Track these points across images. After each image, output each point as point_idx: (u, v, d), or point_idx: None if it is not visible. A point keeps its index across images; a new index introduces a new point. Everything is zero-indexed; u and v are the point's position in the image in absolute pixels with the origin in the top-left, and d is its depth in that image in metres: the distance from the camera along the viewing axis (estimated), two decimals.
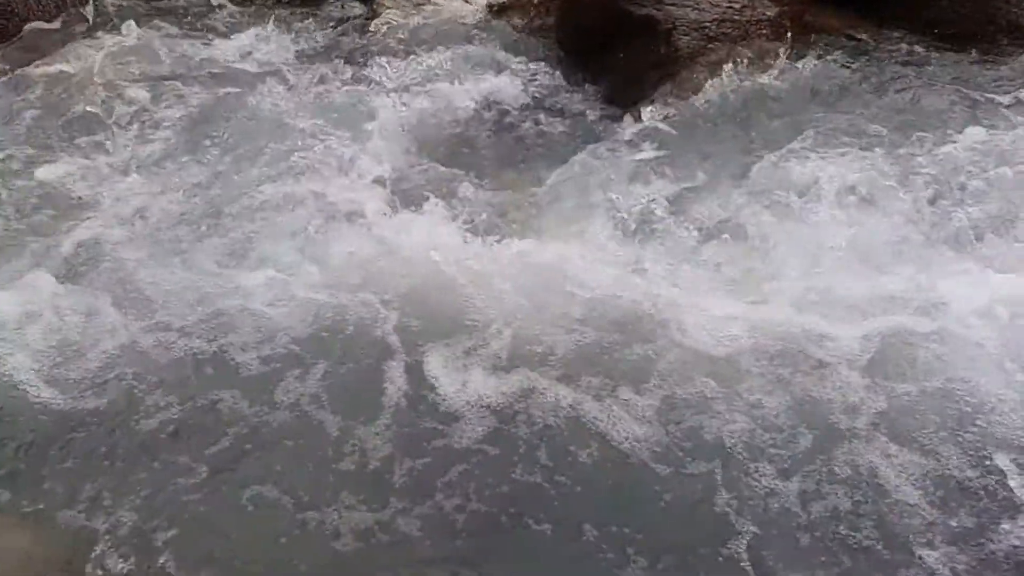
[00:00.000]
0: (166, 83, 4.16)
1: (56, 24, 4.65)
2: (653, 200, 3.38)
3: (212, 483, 2.47)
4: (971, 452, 2.49)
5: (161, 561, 2.29)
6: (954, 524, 2.35)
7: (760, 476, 2.46)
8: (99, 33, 4.57)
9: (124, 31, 4.51)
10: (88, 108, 3.98)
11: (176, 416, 2.63)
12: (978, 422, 2.54)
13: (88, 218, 3.40)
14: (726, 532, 2.34)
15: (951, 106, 3.71)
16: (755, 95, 3.88)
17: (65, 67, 4.29)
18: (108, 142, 3.82)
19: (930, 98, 3.76)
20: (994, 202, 3.21)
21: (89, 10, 4.73)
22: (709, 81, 3.92)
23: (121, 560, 2.29)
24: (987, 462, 2.46)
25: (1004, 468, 2.44)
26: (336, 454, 2.53)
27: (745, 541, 2.32)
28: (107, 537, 2.34)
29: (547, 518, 2.39)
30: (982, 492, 2.41)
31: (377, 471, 2.49)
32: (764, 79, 3.93)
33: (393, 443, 2.56)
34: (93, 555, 2.30)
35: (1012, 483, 2.41)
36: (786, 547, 2.32)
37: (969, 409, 2.57)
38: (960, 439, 2.52)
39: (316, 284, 3.02)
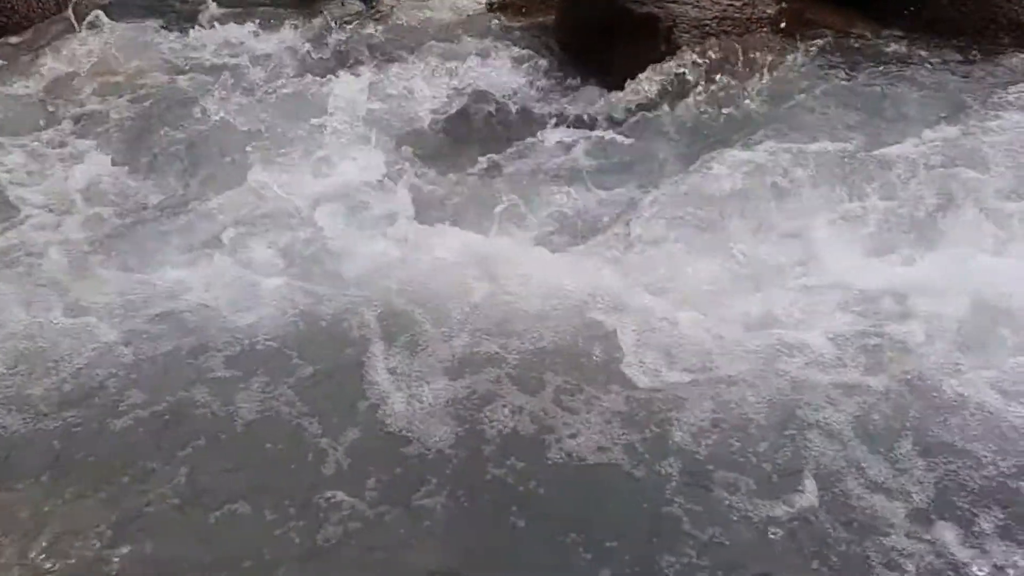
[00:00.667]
0: (138, 81, 4.13)
1: (43, 24, 4.58)
2: (616, 199, 3.39)
3: (183, 488, 2.42)
4: (934, 456, 2.49)
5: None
6: (920, 528, 2.34)
7: (727, 479, 2.46)
8: (81, 33, 4.50)
9: (107, 30, 4.47)
10: (55, 107, 3.96)
11: (142, 420, 2.58)
12: (939, 424, 2.56)
13: (39, 216, 3.36)
14: (694, 535, 2.33)
15: (937, 105, 3.71)
16: (746, 94, 3.87)
17: (43, 65, 4.26)
18: (72, 138, 3.78)
19: (918, 97, 3.76)
20: (941, 202, 3.20)
21: (70, 10, 4.66)
22: (703, 79, 3.90)
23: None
24: (946, 467, 2.47)
25: (961, 475, 2.45)
26: (302, 458, 2.50)
27: (714, 543, 2.31)
28: (74, 549, 2.28)
29: (520, 522, 2.36)
30: (937, 496, 2.40)
31: (344, 477, 2.45)
32: (758, 78, 3.93)
33: (360, 448, 2.52)
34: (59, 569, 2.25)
35: (967, 490, 2.41)
36: (752, 549, 2.31)
37: (931, 411, 2.59)
38: (925, 443, 2.52)
39: (277, 283, 3.00)
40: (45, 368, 2.72)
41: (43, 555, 2.27)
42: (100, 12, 4.50)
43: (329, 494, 2.40)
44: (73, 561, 2.26)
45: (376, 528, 2.35)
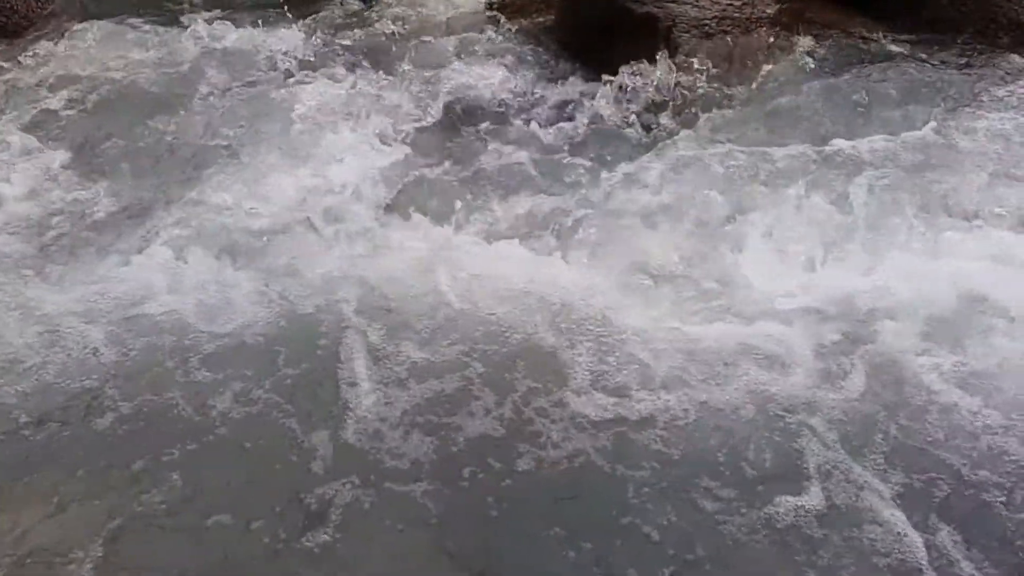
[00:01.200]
0: (108, 79, 4.10)
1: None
2: (580, 202, 3.38)
3: (168, 493, 2.45)
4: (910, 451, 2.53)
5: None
6: (896, 527, 2.39)
7: (698, 477, 2.50)
8: (64, 31, 4.47)
9: (89, 31, 4.43)
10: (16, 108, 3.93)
11: (122, 423, 2.60)
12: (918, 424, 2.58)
13: None
14: (661, 530, 2.39)
15: (927, 104, 3.67)
16: (733, 94, 3.85)
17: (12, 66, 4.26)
18: (33, 140, 3.74)
19: (909, 97, 3.72)
20: (908, 203, 3.19)
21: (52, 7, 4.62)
22: (695, 81, 3.89)
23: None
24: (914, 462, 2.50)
25: (940, 471, 2.48)
26: (284, 460, 2.53)
27: (688, 544, 2.37)
28: (58, 556, 2.32)
29: (495, 521, 2.41)
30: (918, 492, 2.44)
31: (324, 477, 2.48)
32: (749, 78, 3.90)
33: (338, 449, 2.55)
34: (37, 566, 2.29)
35: (949, 486, 2.46)
36: (729, 549, 2.36)
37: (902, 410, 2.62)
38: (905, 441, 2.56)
39: (244, 287, 3.01)
40: (16, 376, 2.73)
41: (26, 561, 2.30)
42: (81, 24, 4.46)
43: (311, 494, 2.44)
44: (57, 567, 2.28)
45: (356, 525, 2.38)
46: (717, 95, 3.68)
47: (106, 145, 3.73)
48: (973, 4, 3.82)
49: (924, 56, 3.72)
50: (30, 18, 4.56)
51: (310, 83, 4.05)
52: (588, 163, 3.57)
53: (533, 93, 3.96)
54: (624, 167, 3.50)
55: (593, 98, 3.88)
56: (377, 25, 4.57)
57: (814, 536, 2.42)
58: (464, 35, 4.44)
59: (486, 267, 3.03)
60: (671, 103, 3.66)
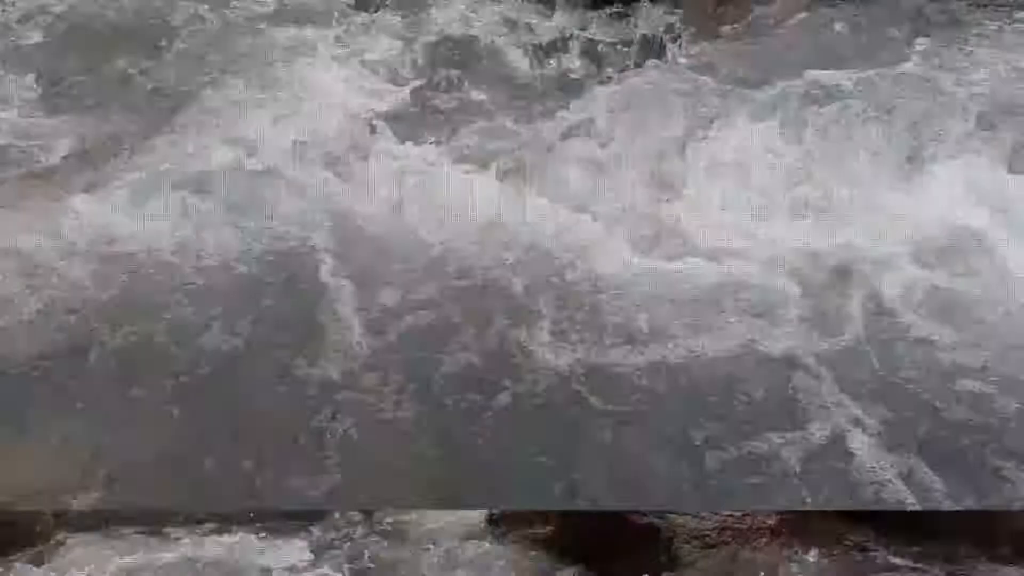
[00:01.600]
0: None
1: None
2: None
3: (166, 430, 2.40)
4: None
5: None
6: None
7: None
8: None
9: None
10: None
11: (110, 353, 2.56)
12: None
13: None
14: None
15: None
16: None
17: None
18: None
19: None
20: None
21: None
22: None
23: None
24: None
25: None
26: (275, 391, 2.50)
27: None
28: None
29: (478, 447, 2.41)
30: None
31: (320, 404, 2.46)
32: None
33: (329, 375, 2.53)
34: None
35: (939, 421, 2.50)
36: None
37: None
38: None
39: (225, 227, 2.96)
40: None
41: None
42: None
43: (310, 421, 2.41)
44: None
45: (351, 449, 2.36)
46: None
47: (91, 71, 3.67)
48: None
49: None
50: None
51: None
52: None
53: None
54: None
55: None
56: None
57: None
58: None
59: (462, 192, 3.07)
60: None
